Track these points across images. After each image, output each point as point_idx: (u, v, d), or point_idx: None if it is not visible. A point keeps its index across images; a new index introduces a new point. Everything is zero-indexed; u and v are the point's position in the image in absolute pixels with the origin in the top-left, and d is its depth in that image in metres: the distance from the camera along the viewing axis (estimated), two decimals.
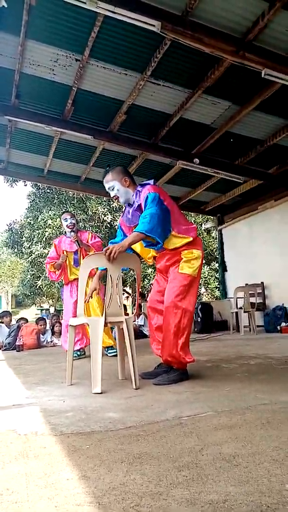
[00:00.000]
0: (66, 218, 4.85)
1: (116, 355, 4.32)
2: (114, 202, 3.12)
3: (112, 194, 2.99)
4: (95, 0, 3.30)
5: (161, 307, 2.91)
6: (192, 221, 16.60)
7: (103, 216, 14.96)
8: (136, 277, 3.00)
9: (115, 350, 4.20)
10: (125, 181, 2.95)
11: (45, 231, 15.07)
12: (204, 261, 16.99)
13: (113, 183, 2.96)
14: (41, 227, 15.38)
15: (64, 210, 11.31)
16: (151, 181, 2.96)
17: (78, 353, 4.62)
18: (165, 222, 2.77)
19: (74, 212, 15.01)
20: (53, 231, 15.01)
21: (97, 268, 2.97)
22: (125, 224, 3.12)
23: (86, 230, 5.07)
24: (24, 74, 4.69)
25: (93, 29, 3.93)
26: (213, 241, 16.88)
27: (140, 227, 2.65)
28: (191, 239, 2.88)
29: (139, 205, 2.89)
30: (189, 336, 2.84)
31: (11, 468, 1.31)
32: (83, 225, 15.06)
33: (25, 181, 14.65)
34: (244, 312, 7.31)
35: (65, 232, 4.96)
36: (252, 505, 1.00)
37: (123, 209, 3.13)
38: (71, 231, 4.81)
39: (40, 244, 15.55)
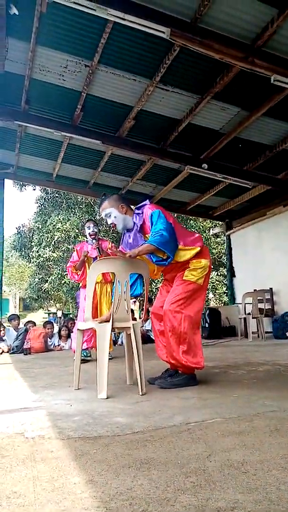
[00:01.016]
0: (89, 226, 5.08)
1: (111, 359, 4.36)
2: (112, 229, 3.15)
3: (109, 221, 2.99)
4: (105, 7, 3.34)
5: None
6: (200, 226, 16.61)
7: None
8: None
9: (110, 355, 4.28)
10: (122, 207, 2.95)
11: (54, 235, 15.15)
12: (212, 267, 16.92)
13: (109, 210, 2.96)
14: (50, 231, 15.46)
15: (88, 218, 11.37)
16: (147, 201, 3.00)
17: (85, 353, 4.65)
18: (174, 237, 2.80)
19: (82, 217, 15.10)
20: (62, 234, 15.08)
21: (113, 273, 2.98)
22: (124, 250, 3.10)
23: (107, 239, 5.21)
24: (34, 80, 4.75)
25: (103, 35, 3.97)
26: (221, 246, 16.83)
27: (152, 240, 2.68)
28: (198, 248, 2.90)
29: (141, 226, 2.91)
30: (195, 341, 2.82)
31: (19, 471, 1.31)
32: None
33: (34, 186, 14.78)
34: (253, 318, 7.26)
35: (87, 240, 5.19)
36: None
37: (122, 238, 3.15)
38: (93, 239, 5.02)
39: (48, 248, 15.62)
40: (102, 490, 1.16)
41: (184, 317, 2.75)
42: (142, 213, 2.92)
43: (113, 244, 5.23)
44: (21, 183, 14.29)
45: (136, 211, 2.97)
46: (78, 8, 3.35)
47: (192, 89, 4.84)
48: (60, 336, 6.78)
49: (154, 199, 8.41)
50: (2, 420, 1.98)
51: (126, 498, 1.10)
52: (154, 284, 15.51)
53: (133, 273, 2.91)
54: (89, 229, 5.04)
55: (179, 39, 3.66)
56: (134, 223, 2.95)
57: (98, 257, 4.94)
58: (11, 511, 1.04)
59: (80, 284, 5.23)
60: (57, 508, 1.05)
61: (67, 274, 5.13)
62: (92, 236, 5.00)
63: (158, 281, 14.92)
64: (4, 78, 4.53)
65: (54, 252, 15.55)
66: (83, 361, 4.55)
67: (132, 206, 3.06)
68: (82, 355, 4.58)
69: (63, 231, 14.97)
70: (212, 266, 3.12)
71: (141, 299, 16.64)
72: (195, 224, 16.38)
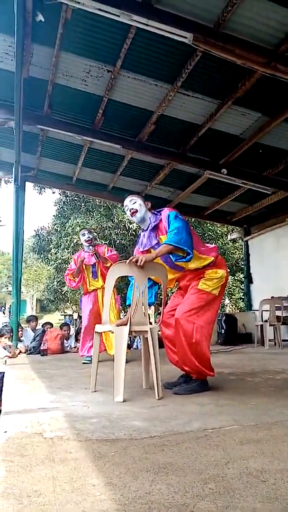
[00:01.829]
0: (84, 233, 5.24)
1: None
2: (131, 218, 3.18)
3: (132, 206, 3.03)
4: (128, 13, 3.37)
5: (172, 321, 2.89)
6: (217, 231, 16.50)
7: (128, 224, 15.06)
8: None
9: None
10: (146, 204, 3.05)
11: (73, 238, 15.27)
12: (228, 271, 16.79)
13: (136, 199, 3.05)
14: (68, 234, 15.59)
15: (82, 227, 11.59)
16: (166, 207, 3.07)
17: (89, 358, 4.68)
18: (190, 235, 2.79)
19: (100, 220, 15.19)
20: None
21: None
22: (139, 251, 3.12)
23: (102, 244, 5.34)
24: (57, 85, 4.82)
25: (126, 41, 4.01)
26: (239, 251, 16.69)
27: (168, 240, 2.70)
28: (212, 259, 2.90)
29: (157, 226, 2.95)
30: (207, 351, 2.80)
31: (38, 470, 1.33)
32: (109, 232, 15.19)
33: (53, 189, 14.95)
34: (270, 325, 7.16)
35: (83, 247, 5.32)
36: None
37: (137, 239, 3.20)
38: (89, 246, 5.14)
39: (67, 250, 15.75)
40: (121, 493, 1.17)
41: (196, 328, 2.73)
42: (160, 214, 2.98)
43: (109, 248, 5.32)
44: (40, 186, 14.49)
45: (155, 211, 3.04)
46: (102, 15, 3.39)
47: (213, 94, 4.83)
48: (76, 339, 6.82)
49: (172, 204, 8.40)
50: (21, 419, 2.00)
51: (145, 502, 1.11)
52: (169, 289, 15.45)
53: (150, 278, 2.92)
54: (84, 236, 5.19)
55: (201, 44, 3.66)
56: (151, 222, 2.99)
57: (96, 264, 5.12)
58: (32, 509, 1.06)
59: (82, 291, 5.38)
60: (77, 509, 1.06)
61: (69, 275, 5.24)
62: (88, 242, 5.12)
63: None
64: (28, 83, 4.61)
65: (72, 254, 15.67)
66: (84, 363, 4.63)
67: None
68: (87, 360, 4.67)
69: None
70: (228, 274, 3.11)
71: (156, 302, 16.64)
72: (212, 228, 16.28)
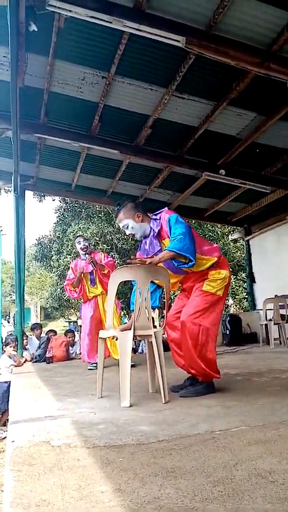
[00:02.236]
0: (79, 241, 5.25)
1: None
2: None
3: (127, 232, 3.03)
4: (120, 20, 3.40)
5: (178, 323, 2.89)
6: (218, 232, 16.49)
7: None
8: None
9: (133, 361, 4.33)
10: (138, 217, 2.96)
11: (75, 244, 15.35)
12: (231, 271, 16.74)
13: (126, 222, 2.98)
14: (70, 240, 15.62)
15: (77, 234, 11.63)
16: (165, 208, 3.01)
17: (94, 365, 4.67)
18: (193, 241, 2.78)
19: (101, 225, 15.22)
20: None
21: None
22: (142, 256, 3.10)
23: (99, 250, 5.34)
24: (53, 93, 4.85)
25: (119, 47, 4.04)
26: (241, 251, 16.68)
27: (171, 246, 2.68)
28: (215, 259, 2.89)
29: (159, 232, 2.91)
30: (213, 353, 2.80)
31: (47, 479, 1.33)
32: (110, 237, 15.22)
33: (53, 196, 15.00)
34: (274, 324, 7.14)
35: (79, 255, 5.34)
36: None
37: (139, 245, 3.16)
38: (85, 254, 5.14)
39: (70, 256, 15.78)
40: (130, 498, 1.16)
41: (202, 330, 2.73)
42: (160, 218, 2.92)
43: (105, 255, 5.34)
44: (40, 194, 14.54)
45: (154, 217, 2.98)
46: (94, 22, 3.42)
47: (208, 96, 4.85)
48: None
49: (172, 206, 8.40)
50: (28, 428, 2.00)
51: (154, 507, 1.10)
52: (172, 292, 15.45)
53: (153, 281, 2.92)
54: (80, 244, 5.19)
55: (194, 47, 3.68)
56: (151, 229, 2.95)
57: (93, 271, 5.11)
58: None
59: (82, 300, 5.36)
60: None
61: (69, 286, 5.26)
62: (83, 250, 5.12)
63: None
64: (24, 92, 4.64)
65: (75, 259, 15.71)
66: (90, 370, 4.63)
67: (149, 214, 3.08)
68: (93, 367, 4.65)
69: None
70: (231, 275, 3.09)
71: (160, 306, 16.63)
72: (213, 229, 16.29)
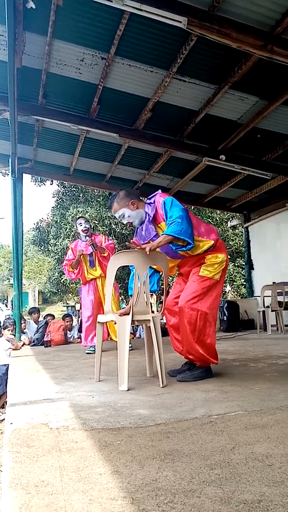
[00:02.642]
0: (81, 223, 5.19)
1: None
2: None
3: (125, 221, 2.99)
4: None
5: (177, 308, 2.89)
6: (217, 218, 16.45)
7: None
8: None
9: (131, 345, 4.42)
10: (132, 204, 2.92)
11: (73, 226, 15.31)
12: (229, 257, 16.80)
13: (122, 211, 2.94)
14: (68, 223, 15.58)
15: (78, 216, 11.56)
16: (159, 191, 2.96)
17: (93, 348, 4.70)
18: (191, 224, 2.75)
19: (100, 210, 15.15)
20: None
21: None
22: (139, 242, 3.07)
23: (99, 233, 5.31)
24: (51, 74, 4.75)
25: (119, 27, 3.94)
26: (240, 238, 16.68)
27: (169, 230, 2.65)
28: (212, 242, 2.86)
29: (154, 216, 2.87)
30: (211, 337, 2.81)
31: (45, 461, 1.34)
32: (108, 222, 15.18)
33: (51, 180, 14.88)
34: (272, 311, 7.18)
35: (80, 237, 5.29)
36: None
37: (135, 230, 3.11)
38: (86, 236, 5.10)
39: (67, 239, 15.77)
40: (128, 480, 1.17)
41: (200, 315, 2.73)
42: (154, 202, 2.88)
43: (106, 237, 5.31)
44: (39, 178, 14.42)
45: (148, 201, 2.93)
46: (94, 0, 3.33)
47: (210, 79, 4.76)
48: (80, 330, 6.85)
49: (171, 192, 8.36)
50: (27, 411, 2.01)
51: (151, 489, 1.11)
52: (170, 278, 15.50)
53: (151, 267, 2.91)
54: (81, 225, 5.14)
55: (196, 29, 3.59)
56: (146, 213, 2.90)
57: (93, 253, 5.09)
58: (40, 499, 1.07)
59: (81, 282, 5.36)
60: (85, 497, 1.07)
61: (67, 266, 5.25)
62: (84, 232, 5.09)
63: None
64: (22, 73, 4.55)
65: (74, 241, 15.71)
66: (88, 353, 4.67)
67: (142, 198, 3.04)
68: (91, 350, 4.70)
69: None
70: (228, 259, 3.07)
71: (159, 291, 16.67)
72: (212, 216, 16.24)
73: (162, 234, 2.69)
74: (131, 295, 2.94)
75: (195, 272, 2.88)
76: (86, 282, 5.19)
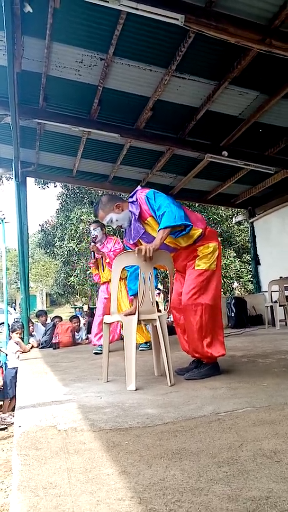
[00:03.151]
0: (89, 230, 5.44)
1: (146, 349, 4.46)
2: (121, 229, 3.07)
3: (114, 226, 2.96)
4: None
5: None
6: (222, 215, 16.36)
7: None
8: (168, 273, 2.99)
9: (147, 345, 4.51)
10: (117, 207, 2.90)
11: (78, 227, 15.35)
12: (235, 254, 16.81)
13: (109, 217, 2.92)
14: (73, 224, 15.64)
15: (93, 221, 11.63)
16: (138, 187, 2.93)
17: (100, 348, 4.72)
18: (180, 207, 2.71)
19: None
20: (87, 225, 15.22)
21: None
22: (128, 242, 3.06)
23: (113, 237, 5.31)
24: (51, 77, 4.76)
25: (117, 27, 3.93)
26: (245, 234, 16.61)
27: (163, 223, 2.61)
28: (200, 230, 2.82)
29: (140, 214, 2.82)
30: (217, 330, 2.80)
31: (53, 463, 1.35)
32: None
33: (55, 183, 14.94)
34: (280, 306, 7.15)
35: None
36: None
37: (124, 232, 3.05)
38: (92, 242, 5.25)
39: (73, 241, 15.81)
40: (135, 480, 1.17)
41: (204, 308, 2.73)
42: (137, 199, 2.84)
43: (117, 241, 5.29)
44: (42, 181, 14.48)
45: (130, 200, 2.89)
46: (90, 1, 3.33)
47: (209, 75, 4.74)
48: (89, 330, 6.88)
49: (175, 190, 8.35)
50: (35, 413, 2.02)
51: (159, 488, 1.11)
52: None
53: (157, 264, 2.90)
54: (90, 233, 5.29)
55: (194, 25, 3.58)
56: (132, 212, 2.86)
57: (102, 257, 5.17)
58: (48, 501, 1.07)
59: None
60: (92, 499, 1.07)
61: (91, 269, 5.54)
62: (93, 240, 5.20)
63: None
64: (22, 77, 4.56)
65: (79, 244, 15.73)
66: (96, 353, 4.69)
67: (123, 198, 3.01)
68: (98, 349, 4.72)
69: (87, 222, 15.10)
70: (221, 246, 3.03)
71: (164, 290, 16.65)
72: (216, 212, 16.18)
73: (158, 230, 2.65)
74: (131, 296, 2.94)
75: (190, 267, 2.86)
76: (103, 283, 5.32)
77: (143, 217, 2.84)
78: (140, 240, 2.95)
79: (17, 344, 5.87)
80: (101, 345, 4.80)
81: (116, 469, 1.26)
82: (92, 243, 5.14)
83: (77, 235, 15.68)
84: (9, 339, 6.22)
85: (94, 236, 5.16)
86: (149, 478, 1.18)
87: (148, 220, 2.82)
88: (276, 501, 0.99)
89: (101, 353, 4.67)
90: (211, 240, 2.88)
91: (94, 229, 5.20)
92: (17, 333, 6.22)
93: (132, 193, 2.92)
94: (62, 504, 1.05)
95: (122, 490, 1.12)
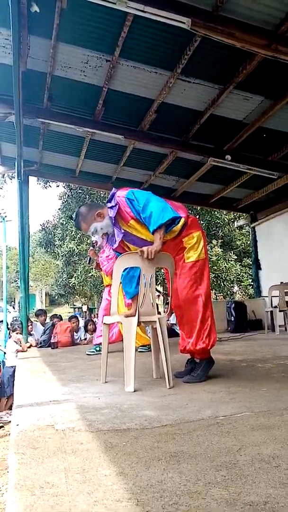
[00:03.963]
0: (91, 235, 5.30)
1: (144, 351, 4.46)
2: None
3: (100, 234, 2.89)
4: (124, 0, 3.31)
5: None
6: (225, 219, 16.33)
7: None
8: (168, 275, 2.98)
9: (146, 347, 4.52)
10: (98, 216, 2.84)
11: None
12: (236, 258, 16.77)
13: (93, 227, 2.86)
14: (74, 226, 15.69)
15: None
16: (113, 190, 2.86)
17: (98, 348, 4.71)
18: (163, 201, 2.68)
19: None
20: None
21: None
22: (112, 247, 3.04)
23: None
24: (56, 77, 4.78)
25: (123, 29, 3.95)
26: (247, 238, 16.59)
27: (152, 224, 2.58)
28: (183, 220, 2.77)
29: (118, 216, 2.78)
30: (211, 317, 2.81)
31: (50, 462, 1.34)
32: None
33: (57, 182, 14.94)
34: (280, 311, 7.13)
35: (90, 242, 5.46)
36: None
37: (106, 238, 2.98)
38: (91, 247, 5.33)
39: (73, 242, 15.80)
40: (133, 482, 1.17)
41: (203, 299, 2.76)
42: (116, 204, 2.78)
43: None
44: (44, 180, 14.48)
45: (109, 205, 2.83)
46: (98, 3, 3.33)
47: (214, 79, 4.75)
48: (86, 330, 6.87)
49: (177, 192, 8.35)
50: (33, 412, 2.02)
51: (157, 490, 1.11)
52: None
53: (159, 266, 2.90)
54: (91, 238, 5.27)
55: (200, 29, 3.59)
56: (111, 218, 2.80)
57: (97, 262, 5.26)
58: (45, 500, 1.07)
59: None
60: (89, 499, 1.07)
61: (92, 269, 5.44)
62: (94, 243, 5.09)
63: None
64: (27, 76, 4.57)
65: (79, 245, 15.72)
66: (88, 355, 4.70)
67: (101, 204, 2.99)
68: (95, 349, 4.72)
69: None
70: (204, 233, 3.01)
71: (164, 292, 16.64)
72: (219, 216, 16.17)
73: (153, 232, 2.60)
74: (128, 299, 2.93)
75: (180, 260, 2.84)
76: (106, 285, 5.35)
77: (125, 220, 2.80)
78: (128, 244, 2.95)
79: (19, 343, 5.86)
80: (95, 345, 4.83)
81: (113, 470, 1.26)
82: (91, 247, 5.15)
83: (78, 236, 15.67)
84: (9, 338, 6.22)
85: (94, 241, 5.12)
86: (146, 480, 1.18)
87: (130, 223, 2.78)
88: (274, 507, 0.99)
89: (93, 354, 4.69)
90: (194, 229, 2.86)
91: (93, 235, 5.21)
92: (17, 333, 6.21)
93: (109, 197, 2.85)
94: (59, 504, 1.04)
95: (119, 491, 1.11)
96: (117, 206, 2.77)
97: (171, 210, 2.65)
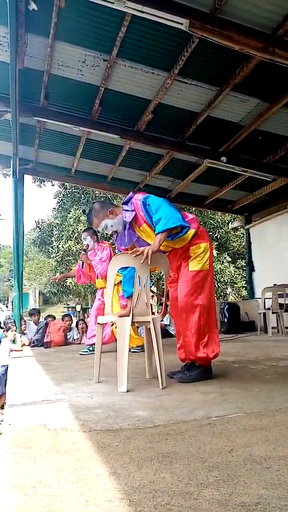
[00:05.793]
0: (82, 238, 5.36)
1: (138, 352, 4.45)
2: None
3: (109, 232, 2.94)
4: (123, 0, 3.31)
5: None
6: (218, 220, 16.39)
7: None
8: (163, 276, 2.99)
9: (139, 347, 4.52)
10: (111, 213, 2.88)
11: (77, 228, 15.33)
12: (230, 259, 16.84)
13: (104, 223, 2.90)
14: (71, 225, 15.61)
15: (85, 228, 11.67)
16: (131, 194, 2.92)
17: (91, 348, 4.69)
18: (175, 209, 2.71)
19: None
20: (84, 226, 15.23)
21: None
22: (120, 247, 3.07)
23: (106, 243, 5.16)
24: (53, 75, 4.76)
25: (121, 29, 3.95)
26: (241, 240, 16.64)
27: (159, 227, 2.61)
28: (194, 230, 2.82)
29: (134, 220, 2.83)
30: (214, 329, 2.83)
31: (43, 462, 1.34)
32: None
33: (52, 181, 14.91)
34: (272, 313, 7.17)
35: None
36: (286, 510, 0.98)
37: (116, 236, 3.02)
38: (82, 251, 5.35)
39: (71, 241, 15.78)
40: (125, 482, 1.17)
41: (203, 309, 2.75)
42: (133, 206, 2.82)
43: (104, 248, 5.11)
44: (40, 179, 14.44)
45: (125, 207, 2.87)
46: (96, 2, 3.33)
47: (211, 81, 4.76)
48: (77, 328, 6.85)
49: (172, 193, 8.37)
50: (25, 411, 2.01)
51: (149, 491, 1.11)
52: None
53: (150, 267, 2.89)
54: (83, 241, 5.26)
55: (198, 31, 3.60)
56: (125, 218, 2.84)
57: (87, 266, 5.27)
58: (37, 500, 1.06)
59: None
60: (81, 499, 1.07)
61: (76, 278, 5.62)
62: (86, 248, 5.21)
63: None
64: (24, 74, 4.55)
65: (77, 244, 15.71)
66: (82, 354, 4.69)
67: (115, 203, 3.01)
68: (89, 350, 4.71)
69: (86, 222, 15.10)
70: (212, 245, 3.03)
71: (158, 293, 16.64)
72: (213, 217, 16.22)
73: (156, 234, 2.64)
74: (126, 298, 2.93)
75: (184, 268, 2.86)
76: (99, 288, 5.34)
77: (138, 224, 2.84)
78: (134, 245, 2.95)
79: (13, 341, 5.83)
80: (89, 345, 4.82)
81: (106, 470, 1.26)
82: (83, 252, 5.18)
83: (74, 236, 15.64)
84: (4, 337, 6.19)
85: (86, 245, 5.16)
86: (139, 480, 1.18)
87: (143, 226, 2.82)
88: (266, 508, 0.99)
89: (86, 354, 4.68)
90: (202, 240, 2.89)
91: (84, 238, 5.16)
92: (12, 331, 6.18)
93: (126, 199, 2.89)
94: (51, 504, 1.04)
95: (111, 491, 1.11)
96: (133, 208, 2.81)
97: (181, 218, 2.68)
